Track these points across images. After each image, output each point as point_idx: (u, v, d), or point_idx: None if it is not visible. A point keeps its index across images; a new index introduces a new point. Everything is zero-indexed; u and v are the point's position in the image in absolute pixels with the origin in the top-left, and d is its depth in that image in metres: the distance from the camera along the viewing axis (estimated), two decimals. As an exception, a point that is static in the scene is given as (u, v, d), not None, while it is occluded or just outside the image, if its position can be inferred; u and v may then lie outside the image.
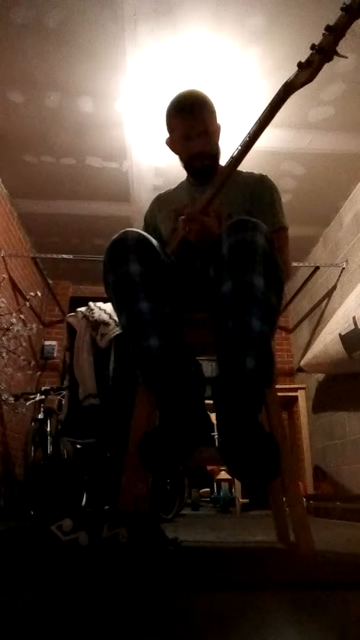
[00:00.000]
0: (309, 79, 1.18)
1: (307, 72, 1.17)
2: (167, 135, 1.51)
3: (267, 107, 1.23)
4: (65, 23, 2.24)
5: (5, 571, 0.79)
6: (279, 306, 1.20)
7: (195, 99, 1.44)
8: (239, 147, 1.27)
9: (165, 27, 2.26)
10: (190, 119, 1.41)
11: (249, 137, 1.26)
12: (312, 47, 1.15)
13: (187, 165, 1.50)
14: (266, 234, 1.15)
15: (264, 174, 1.55)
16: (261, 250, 1.11)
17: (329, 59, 1.15)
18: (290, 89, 1.21)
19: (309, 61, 1.17)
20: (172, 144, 1.51)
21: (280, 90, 1.22)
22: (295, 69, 1.16)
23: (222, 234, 1.17)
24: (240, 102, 2.64)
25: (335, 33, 1.13)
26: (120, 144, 3.02)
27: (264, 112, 1.24)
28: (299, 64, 1.18)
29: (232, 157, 1.30)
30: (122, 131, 2.91)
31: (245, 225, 1.14)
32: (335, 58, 1.16)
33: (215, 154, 1.48)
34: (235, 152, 1.29)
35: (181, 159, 1.51)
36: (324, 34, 1.13)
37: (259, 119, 1.24)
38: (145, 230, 1.58)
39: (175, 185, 1.66)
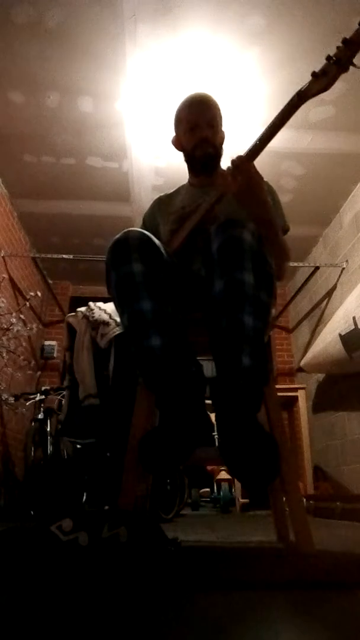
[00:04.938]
0: (324, 89, 1.21)
1: (322, 81, 1.20)
2: (168, 135, 1.54)
3: (279, 113, 1.26)
4: (65, 23, 2.24)
5: (6, 571, 0.79)
6: (271, 303, 1.20)
7: (205, 97, 1.52)
8: (248, 152, 1.28)
9: (165, 27, 2.26)
10: (199, 110, 1.48)
11: (259, 141, 1.27)
12: (328, 58, 1.17)
13: (189, 157, 1.52)
14: (254, 231, 1.15)
15: (265, 178, 1.56)
16: (249, 247, 1.11)
17: (344, 70, 1.17)
18: (303, 97, 1.23)
19: (324, 71, 1.19)
20: (177, 139, 1.54)
21: (293, 98, 1.24)
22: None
23: (211, 234, 1.17)
24: (240, 102, 2.64)
25: (352, 46, 1.15)
26: (120, 144, 3.02)
27: (275, 119, 1.26)
28: (314, 74, 1.20)
29: None
30: (122, 131, 2.91)
31: (233, 224, 1.14)
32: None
33: (218, 148, 1.50)
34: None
35: (185, 152, 1.53)
36: (339, 47, 1.16)
37: (271, 125, 1.27)
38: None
39: (176, 186, 1.66)
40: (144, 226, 1.62)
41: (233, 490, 3.69)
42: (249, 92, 2.60)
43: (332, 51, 1.17)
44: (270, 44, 2.33)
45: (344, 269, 3.53)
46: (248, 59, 2.41)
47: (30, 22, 2.23)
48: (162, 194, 1.67)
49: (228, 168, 1.27)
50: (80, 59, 2.43)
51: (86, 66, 2.47)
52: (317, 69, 1.20)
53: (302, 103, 1.24)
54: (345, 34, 1.15)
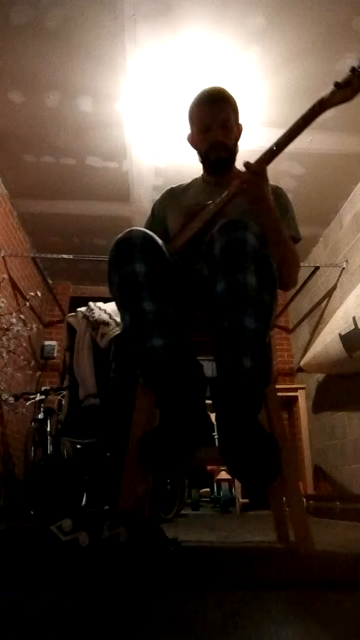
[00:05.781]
0: (347, 99, 1.21)
1: (345, 92, 1.20)
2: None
3: (299, 120, 1.25)
4: (65, 23, 2.23)
5: (6, 571, 0.79)
6: (273, 304, 1.20)
7: (217, 93, 1.48)
8: (263, 156, 1.27)
9: (165, 27, 2.26)
10: (210, 111, 1.45)
11: (275, 146, 1.27)
12: (353, 70, 1.17)
13: (203, 159, 1.51)
14: (257, 233, 1.15)
15: (271, 178, 1.56)
16: (252, 249, 1.11)
17: None
18: (325, 106, 1.24)
19: (347, 82, 1.19)
20: (192, 138, 1.53)
21: (315, 106, 1.24)
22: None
23: (213, 235, 1.17)
24: (241, 102, 2.63)
25: None
26: (120, 144, 3.02)
27: (295, 124, 1.26)
28: (336, 84, 1.20)
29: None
30: (122, 131, 2.91)
31: (236, 226, 1.14)
32: None
33: (232, 149, 1.48)
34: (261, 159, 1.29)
35: (199, 153, 1.52)
36: None
37: (289, 130, 1.26)
38: (152, 220, 1.58)
39: (183, 182, 1.64)
40: (153, 215, 1.61)
41: (233, 490, 3.69)
42: (249, 92, 2.60)
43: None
44: (270, 44, 2.33)
45: (344, 269, 3.53)
46: (248, 59, 2.41)
47: (30, 22, 2.23)
48: (174, 185, 1.65)
49: (239, 171, 1.27)
50: (80, 59, 2.43)
51: (86, 66, 2.47)
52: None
53: (323, 111, 1.24)
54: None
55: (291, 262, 1.38)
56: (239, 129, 1.51)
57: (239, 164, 1.46)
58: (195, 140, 1.52)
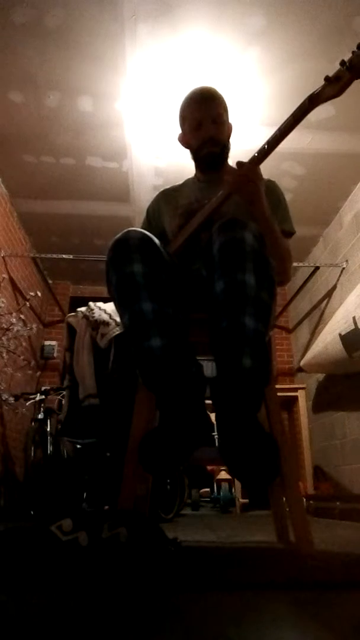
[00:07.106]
0: (337, 94, 1.19)
1: (335, 87, 1.19)
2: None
3: (290, 117, 1.25)
4: (65, 23, 2.24)
5: (6, 571, 0.79)
6: (272, 303, 1.20)
7: (207, 92, 1.49)
8: (256, 155, 1.27)
9: (165, 27, 2.26)
10: (202, 107, 1.46)
11: (267, 145, 1.26)
12: (342, 63, 1.16)
13: (196, 155, 1.51)
14: (255, 232, 1.15)
15: (272, 179, 1.55)
16: (250, 248, 1.11)
17: (358, 76, 1.15)
18: (315, 102, 1.22)
19: (337, 76, 1.18)
20: (184, 137, 1.54)
21: (304, 102, 1.24)
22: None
23: (212, 235, 1.17)
24: (240, 102, 2.64)
25: None
26: (120, 144, 3.02)
27: (285, 122, 1.25)
28: (327, 78, 1.19)
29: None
30: (122, 131, 2.91)
31: (235, 225, 1.14)
32: None
33: (224, 144, 1.49)
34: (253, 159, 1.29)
35: (191, 150, 1.53)
36: (354, 52, 1.14)
37: (280, 128, 1.26)
38: (147, 224, 1.59)
39: (178, 183, 1.65)
40: (147, 218, 1.61)
41: (233, 490, 3.69)
42: (249, 92, 2.60)
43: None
44: (270, 44, 2.33)
45: (344, 269, 3.53)
46: (248, 59, 2.41)
47: (30, 22, 2.23)
48: (166, 187, 1.65)
49: (234, 169, 1.27)
50: (80, 59, 2.43)
51: (86, 66, 2.47)
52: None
53: (313, 108, 1.23)
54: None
55: (285, 258, 1.39)
56: (229, 128, 1.52)
57: (232, 163, 1.46)
58: (187, 138, 1.52)
